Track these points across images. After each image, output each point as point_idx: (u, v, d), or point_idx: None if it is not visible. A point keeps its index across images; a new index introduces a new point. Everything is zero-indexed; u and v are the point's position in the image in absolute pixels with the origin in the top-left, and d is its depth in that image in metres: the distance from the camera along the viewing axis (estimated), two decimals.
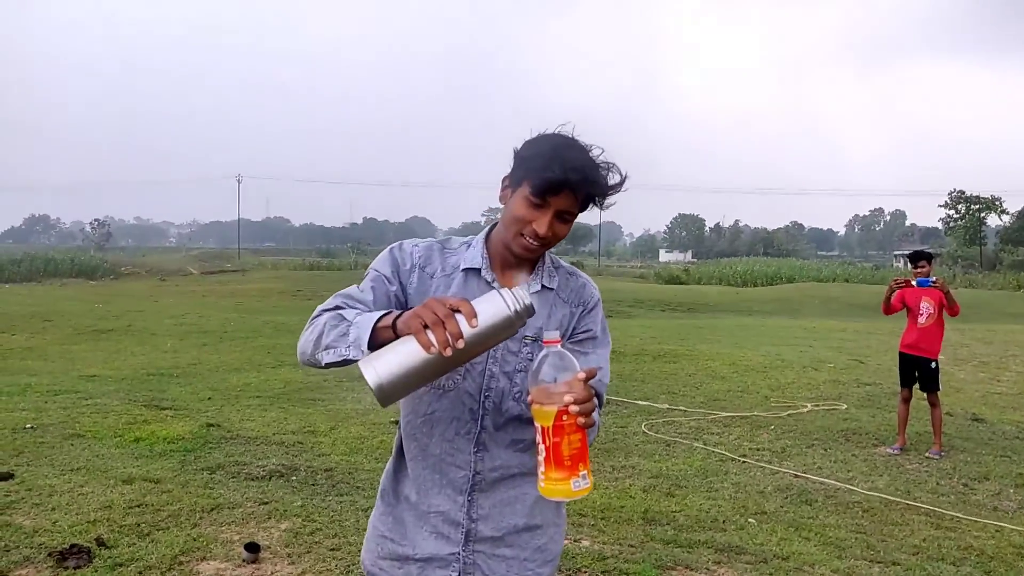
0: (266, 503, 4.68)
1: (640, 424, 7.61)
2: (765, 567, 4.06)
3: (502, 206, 1.65)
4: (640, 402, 8.72)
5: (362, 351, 1.40)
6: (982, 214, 64.08)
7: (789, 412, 8.36)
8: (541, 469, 1.48)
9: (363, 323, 1.44)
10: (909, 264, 6.83)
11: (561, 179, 1.52)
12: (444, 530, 1.66)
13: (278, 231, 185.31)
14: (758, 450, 6.78)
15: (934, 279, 6.45)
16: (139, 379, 9.91)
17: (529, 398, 1.45)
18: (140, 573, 3.59)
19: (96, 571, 3.58)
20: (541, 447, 1.47)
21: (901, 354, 6.96)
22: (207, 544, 3.98)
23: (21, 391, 8.48)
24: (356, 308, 1.53)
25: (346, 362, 1.42)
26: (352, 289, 1.60)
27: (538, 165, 1.54)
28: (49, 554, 3.72)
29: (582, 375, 1.43)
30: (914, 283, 6.52)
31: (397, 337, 1.39)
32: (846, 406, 8.75)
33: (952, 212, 65.96)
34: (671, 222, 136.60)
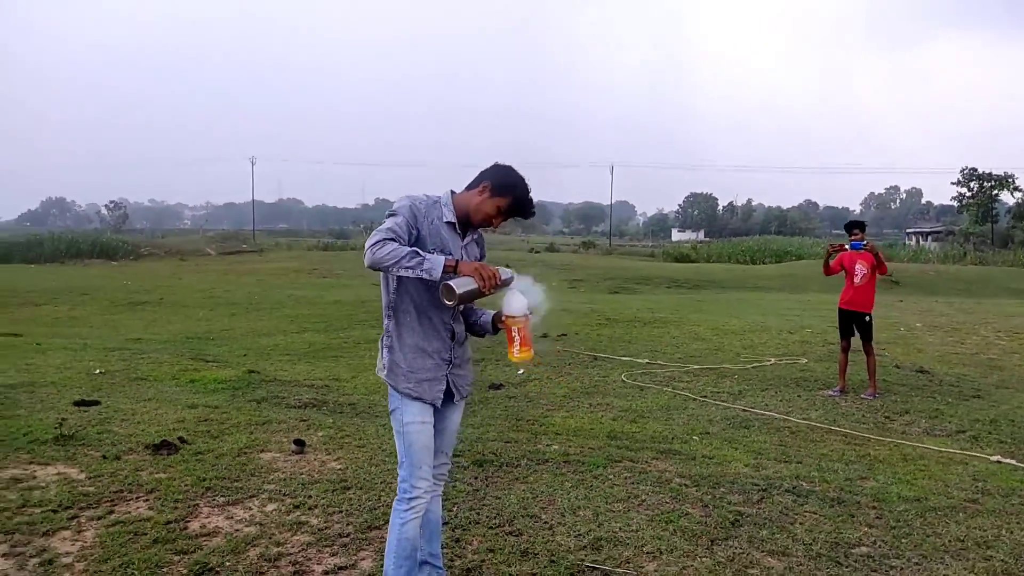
0: (305, 420, 5.89)
1: (620, 375, 8.76)
2: (692, 462, 5.21)
3: (478, 193, 2.91)
4: (623, 358, 9.87)
5: (433, 276, 2.64)
6: (995, 191, 64.16)
7: (754, 365, 9.49)
8: (516, 347, 2.86)
9: (435, 262, 2.64)
10: (847, 233, 7.88)
11: (524, 216, 2.97)
12: (439, 361, 2.92)
13: (291, 212, 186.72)
14: (718, 392, 7.91)
15: (865, 243, 7.53)
16: (180, 341, 11.15)
17: (505, 316, 2.86)
18: (217, 458, 4.79)
19: (183, 457, 4.79)
20: (517, 337, 2.86)
21: (840, 310, 8.06)
22: (263, 442, 5.20)
23: (81, 348, 9.73)
24: (402, 239, 2.72)
25: (416, 276, 2.67)
26: (396, 228, 2.73)
27: (518, 200, 2.90)
28: (146, 447, 4.93)
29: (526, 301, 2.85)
30: (848, 247, 7.60)
31: (456, 273, 2.67)
32: (806, 360, 9.86)
33: (964, 190, 66.06)
34: (683, 201, 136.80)
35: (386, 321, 2.91)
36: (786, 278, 31.42)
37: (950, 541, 3.95)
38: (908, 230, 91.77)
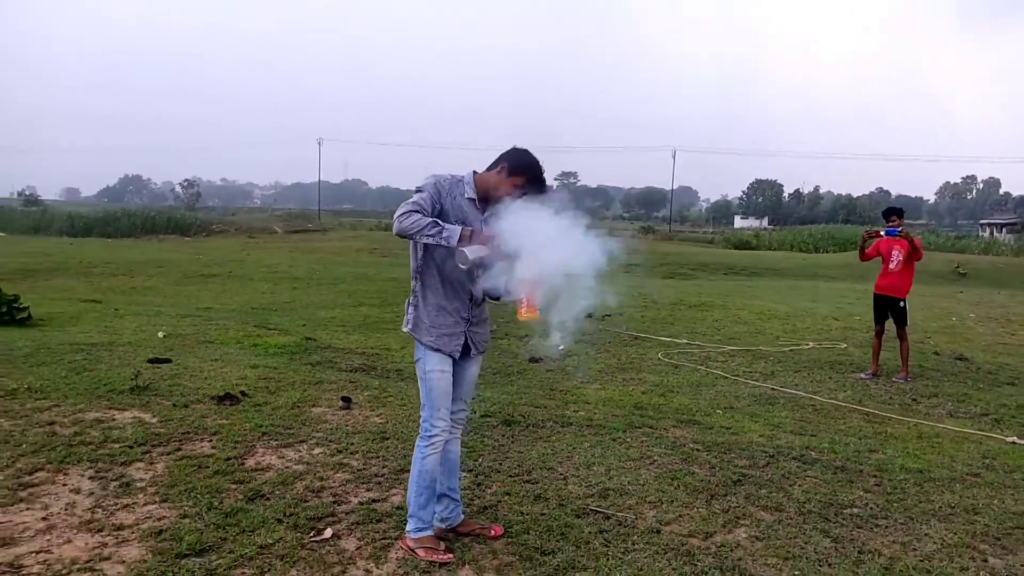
0: (353, 382, 6.41)
1: (657, 353, 9.06)
2: (709, 431, 5.53)
3: (497, 172, 3.30)
4: (663, 338, 10.16)
5: (450, 243, 3.06)
6: None
7: (791, 348, 9.67)
8: (524, 309, 3.22)
9: (452, 231, 3.06)
10: (884, 219, 8.01)
11: (537, 195, 3.28)
12: (458, 319, 3.34)
13: (356, 193, 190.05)
14: (750, 372, 8.16)
15: (900, 229, 7.66)
16: (245, 311, 11.86)
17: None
18: (273, 410, 5.33)
19: (244, 407, 5.34)
20: (525, 301, 3.20)
21: (875, 295, 8.20)
22: (315, 398, 5.72)
23: (155, 314, 10.48)
24: (426, 212, 3.13)
25: (436, 243, 3.08)
26: (422, 203, 3.15)
27: (532, 179, 3.26)
28: (211, 398, 5.50)
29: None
30: (883, 233, 7.75)
31: (471, 241, 3.06)
32: (845, 345, 9.98)
33: None
34: (748, 187, 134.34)
35: (413, 283, 3.34)
36: (848, 267, 30.79)
37: (940, 507, 4.21)
38: (982, 221, 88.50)
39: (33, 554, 3.11)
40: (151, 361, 6.76)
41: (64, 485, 3.84)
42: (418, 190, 3.22)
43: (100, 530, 3.36)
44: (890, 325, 8.11)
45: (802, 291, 19.58)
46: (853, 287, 22.32)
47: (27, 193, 71.21)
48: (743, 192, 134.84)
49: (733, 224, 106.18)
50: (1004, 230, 68.34)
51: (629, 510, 3.89)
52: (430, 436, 3.28)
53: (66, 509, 3.57)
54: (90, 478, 3.95)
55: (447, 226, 3.07)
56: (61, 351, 7.06)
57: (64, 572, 2.99)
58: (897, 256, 7.91)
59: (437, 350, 3.27)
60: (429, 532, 3.31)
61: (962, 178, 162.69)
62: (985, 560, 3.56)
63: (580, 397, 6.62)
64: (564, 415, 5.75)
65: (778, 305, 14.42)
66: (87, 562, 3.06)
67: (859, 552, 3.54)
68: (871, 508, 4.12)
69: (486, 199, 3.32)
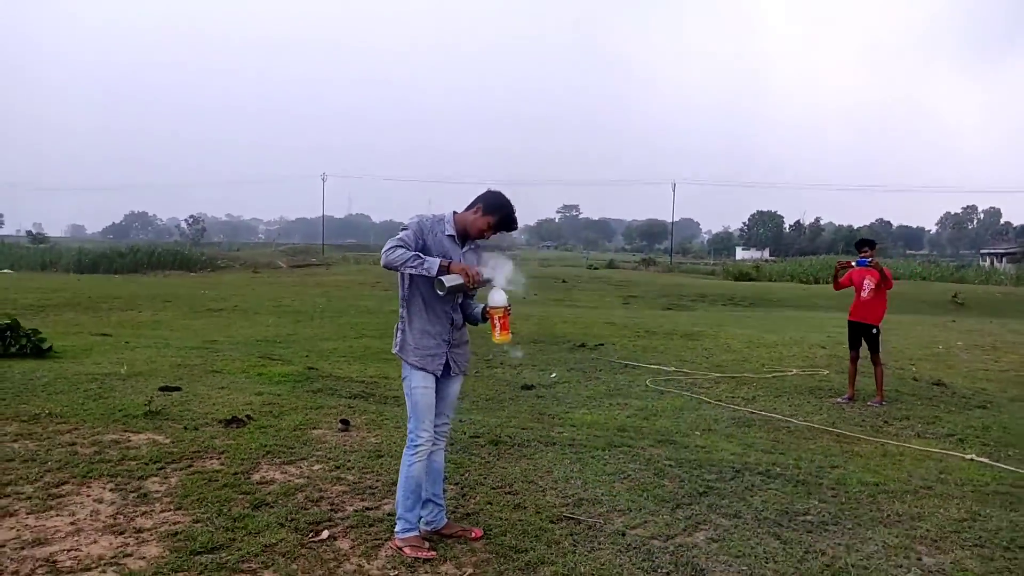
0: (352, 407, 6.82)
1: (646, 380, 9.45)
2: (685, 450, 5.91)
3: (473, 212, 3.71)
4: (652, 366, 10.55)
5: (430, 273, 3.50)
6: None
7: (775, 375, 10.05)
8: (497, 332, 3.69)
9: (432, 263, 3.50)
10: (857, 251, 8.45)
11: (509, 231, 3.77)
12: (440, 341, 3.76)
13: (360, 227, 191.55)
14: (733, 398, 8.54)
15: (870, 260, 8.11)
16: (251, 343, 12.28)
17: (488, 308, 3.66)
18: (277, 432, 5.74)
19: (249, 430, 5.74)
20: (498, 323, 3.67)
21: (849, 322, 8.62)
22: (316, 421, 6.13)
23: (164, 346, 10.91)
24: (409, 247, 3.56)
25: (418, 273, 3.53)
26: (405, 238, 3.60)
27: (504, 219, 3.74)
28: (219, 421, 5.92)
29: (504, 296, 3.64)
30: (854, 264, 8.19)
31: (448, 271, 3.47)
32: (827, 372, 10.37)
33: None
34: (748, 219, 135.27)
35: (401, 310, 3.78)
36: (847, 297, 31.20)
37: (888, 515, 4.58)
38: (983, 251, 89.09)
39: (65, 552, 3.51)
40: (162, 389, 7.18)
41: (88, 496, 4.25)
42: (403, 228, 3.67)
43: (122, 532, 3.76)
44: (867, 352, 8.50)
45: (794, 321, 19.96)
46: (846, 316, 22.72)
47: (34, 232, 72.20)
48: (744, 224, 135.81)
49: (734, 256, 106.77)
50: (1004, 260, 68.81)
51: (599, 517, 4.27)
52: (415, 446, 3.69)
53: (91, 515, 3.97)
54: (111, 490, 4.35)
55: (427, 258, 3.51)
56: (77, 380, 7.48)
57: (93, 566, 3.39)
58: (869, 285, 8.34)
59: (422, 369, 3.70)
60: (415, 532, 3.71)
61: (963, 208, 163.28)
62: (920, 559, 3.93)
63: (566, 420, 7.01)
64: (549, 436, 6.15)
65: (768, 334, 14.81)
66: (112, 558, 3.47)
67: (804, 552, 3.92)
68: (823, 516, 4.50)
69: (465, 235, 3.76)
